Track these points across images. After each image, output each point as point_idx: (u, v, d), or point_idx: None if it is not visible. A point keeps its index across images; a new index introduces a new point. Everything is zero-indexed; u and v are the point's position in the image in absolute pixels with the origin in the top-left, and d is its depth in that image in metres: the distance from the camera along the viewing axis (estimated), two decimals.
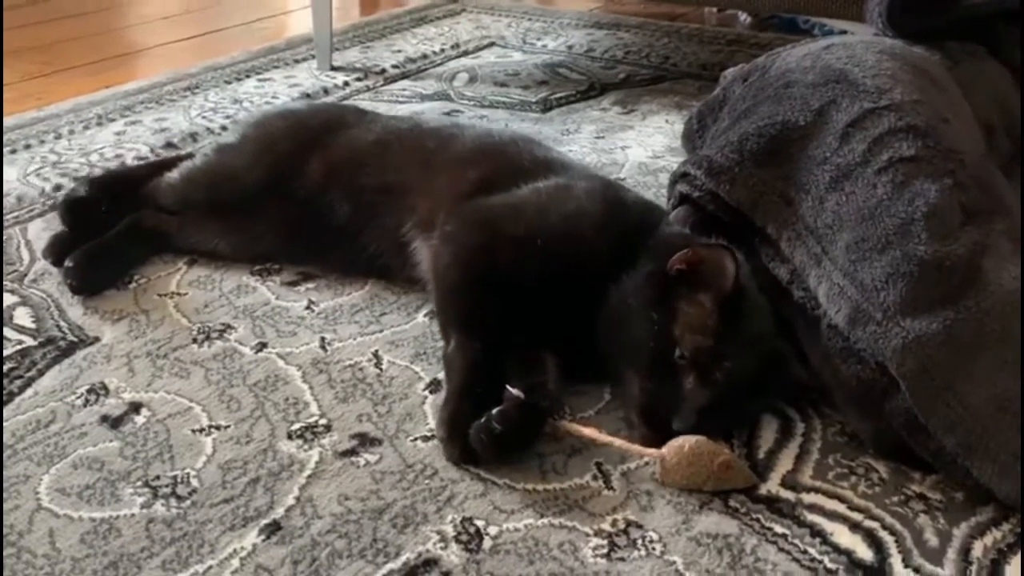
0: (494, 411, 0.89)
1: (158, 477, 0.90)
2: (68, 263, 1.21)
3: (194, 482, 0.89)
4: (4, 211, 1.41)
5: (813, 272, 0.94)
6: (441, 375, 1.05)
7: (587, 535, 0.83)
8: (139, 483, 0.89)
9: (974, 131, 1.11)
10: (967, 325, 0.83)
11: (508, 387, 0.91)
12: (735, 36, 2.41)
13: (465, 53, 2.27)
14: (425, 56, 2.23)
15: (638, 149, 1.67)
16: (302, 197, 1.24)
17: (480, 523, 0.84)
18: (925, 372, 0.83)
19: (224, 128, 1.73)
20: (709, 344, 0.91)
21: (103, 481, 0.90)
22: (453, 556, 0.81)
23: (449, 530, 0.84)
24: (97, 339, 1.12)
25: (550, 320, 0.99)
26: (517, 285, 0.99)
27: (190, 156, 1.38)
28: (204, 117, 1.82)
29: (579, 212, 1.05)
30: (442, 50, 2.28)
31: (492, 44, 2.35)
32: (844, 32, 2.05)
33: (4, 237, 1.34)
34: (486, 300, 1.01)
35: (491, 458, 0.90)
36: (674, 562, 0.80)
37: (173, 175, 1.33)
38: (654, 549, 0.82)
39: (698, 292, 0.93)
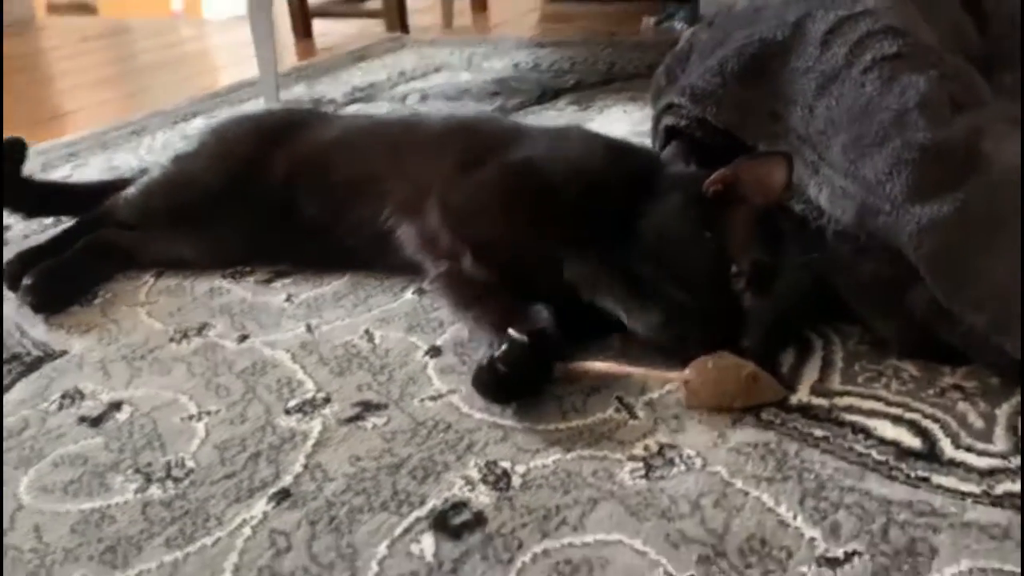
0: (496, 353, 0.85)
1: (149, 464, 0.83)
2: (26, 281, 1.14)
3: (189, 463, 0.83)
4: None
5: (812, 181, 0.92)
6: (440, 342, 1.00)
7: (620, 461, 0.78)
8: (130, 471, 0.82)
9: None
10: (979, 203, 0.82)
11: (511, 331, 0.87)
12: (674, 41, 2.43)
13: (413, 78, 2.26)
14: (372, 84, 2.22)
15: None
16: (266, 196, 1.19)
17: (505, 464, 0.79)
18: (944, 254, 0.81)
19: None
20: (763, 257, 0.88)
21: (89, 474, 0.82)
22: (483, 496, 0.75)
23: (474, 474, 0.78)
24: (65, 352, 1.05)
25: (558, 268, 0.95)
26: (536, 240, 0.97)
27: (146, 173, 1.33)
28: (153, 153, 1.77)
29: (589, 153, 1.04)
30: (389, 78, 2.27)
31: (439, 69, 2.34)
32: None
33: None
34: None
35: (495, 400, 0.86)
36: (718, 472, 0.75)
37: (131, 190, 1.28)
38: (694, 464, 0.77)
39: (739, 209, 0.91)
